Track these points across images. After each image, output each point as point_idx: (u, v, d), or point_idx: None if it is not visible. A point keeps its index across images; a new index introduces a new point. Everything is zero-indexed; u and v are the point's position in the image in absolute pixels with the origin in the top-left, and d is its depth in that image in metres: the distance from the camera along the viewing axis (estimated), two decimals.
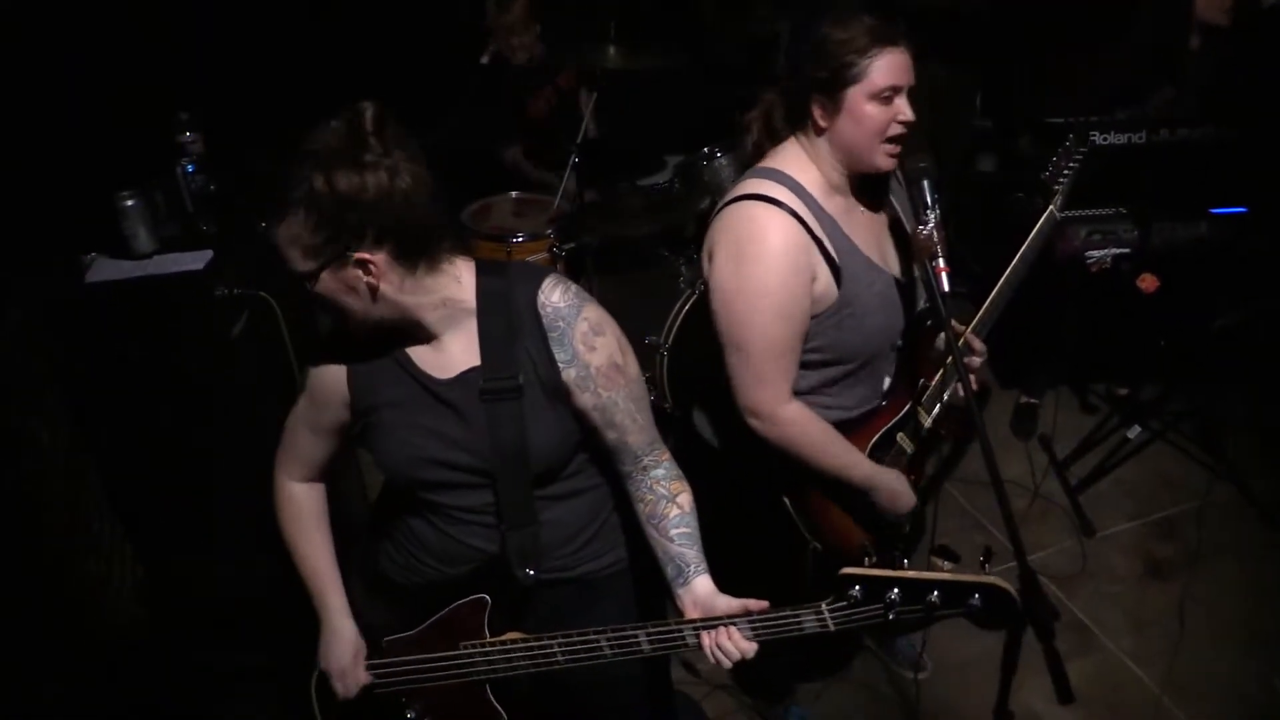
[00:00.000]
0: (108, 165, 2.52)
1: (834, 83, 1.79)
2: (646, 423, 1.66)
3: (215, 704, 2.53)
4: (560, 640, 1.57)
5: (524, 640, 1.60)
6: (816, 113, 1.84)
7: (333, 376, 1.61)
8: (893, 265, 2.01)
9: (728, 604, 1.53)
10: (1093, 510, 3.34)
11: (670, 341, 3.01)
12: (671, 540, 1.60)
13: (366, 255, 1.39)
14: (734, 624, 1.49)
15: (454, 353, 1.56)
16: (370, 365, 1.58)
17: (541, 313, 1.55)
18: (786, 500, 2.06)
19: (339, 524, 1.81)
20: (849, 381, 2.03)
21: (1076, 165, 2.14)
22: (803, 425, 1.94)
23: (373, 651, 1.72)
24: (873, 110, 1.79)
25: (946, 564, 1.49)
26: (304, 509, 1.77)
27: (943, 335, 2.06)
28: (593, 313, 1.59)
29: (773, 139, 1.98)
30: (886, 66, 1.76)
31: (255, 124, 2.58)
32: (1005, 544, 1.62)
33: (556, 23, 4.13)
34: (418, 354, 1.57)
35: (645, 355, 2.96)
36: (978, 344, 2.02)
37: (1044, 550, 3.21)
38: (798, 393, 1.97)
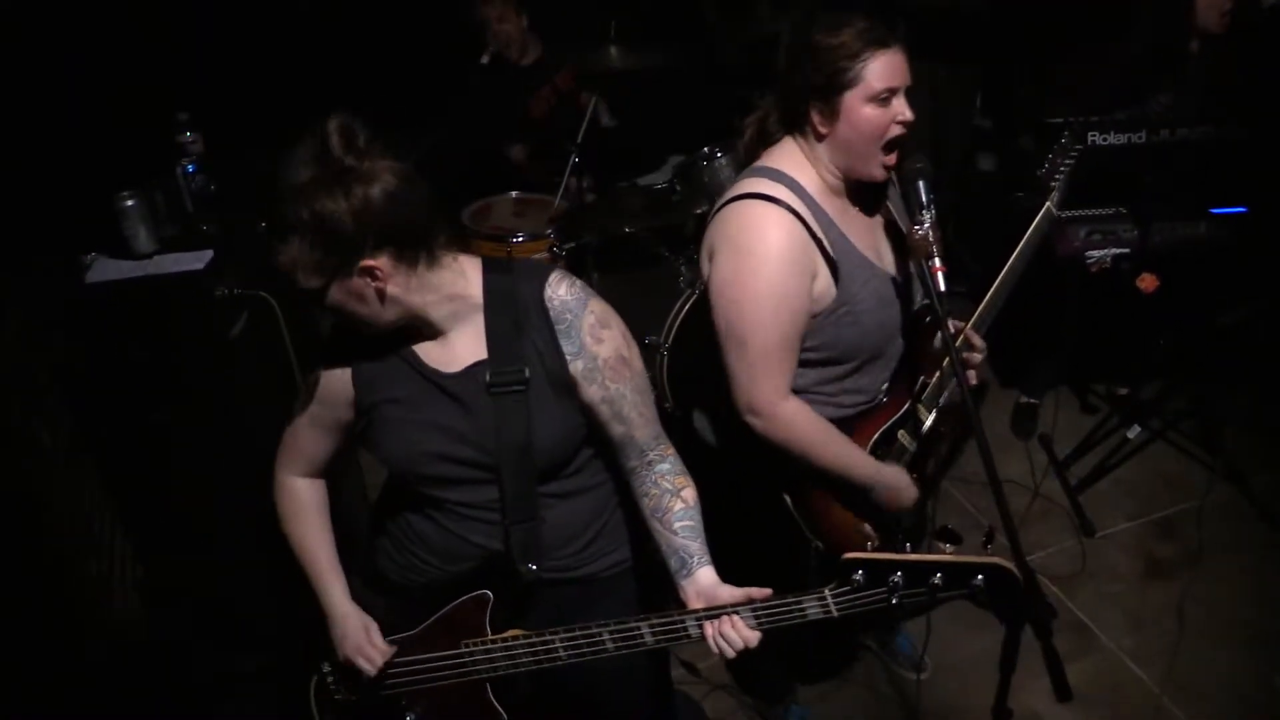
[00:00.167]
0: (108, 165, 2.52)
1: (830, 88, 1.79)
2: (652, 416, 1.67)
3: (215, 704, 2.54)
4: (562, 635, 1.57)
5: (526, 637, 1.60)
6: (815, 119, 1.84)
7: (337, 374, 1.62)
8: (889, 264, 2.02)
9: (731, 593, 1.53)
10: (1093, 510, 3.34)
11: (670, 341, 3.01)
12: (675, 533, 1.60)
13: (369, 262, 1.42)
14: (737, 613, 1.49)
15: (461, 347, 1.58)
16: (375, 362, 1.59)
17: (549, 306, 1.57)
18: (787, 499, 2.07)
19: (339, 524, 1.81)
20: (848, 380, 2.03)
21: (1072, 163, 2.15)
22: (801, 422, 1.94)
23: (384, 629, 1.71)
24: (871, 113, 1.79)
25: (949, 546, 1.49)
26: (305, 503, 1.77)
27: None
28: (598, 306, 1.61)
29: (766, 142, 1.99)
30: (882, 68, 1.76)
31: (255, 124, 2.58)
32: (1005, 544, 1.62)
33: (556, 23, 4.13)
34: (424, 349, 1.58)
35: (646, 355, 2.96)
36: (977, 340, 2.03)
37: (1044, 550, 3.21)
38: (797, 391, 1.98)
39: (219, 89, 3.26)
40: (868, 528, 2.10)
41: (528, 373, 1.55)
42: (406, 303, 1.50)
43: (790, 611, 1.48)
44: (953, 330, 1.83)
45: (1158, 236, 3.29)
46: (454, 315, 1.56)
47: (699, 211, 3.45)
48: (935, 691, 2.71)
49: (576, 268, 3.42)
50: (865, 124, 1.79)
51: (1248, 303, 3.32)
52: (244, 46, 3.94)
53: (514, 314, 1.57)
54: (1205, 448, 3.57)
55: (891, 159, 1.84)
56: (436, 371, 1.58)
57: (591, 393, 1.60)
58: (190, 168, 2.61)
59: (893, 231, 2.06)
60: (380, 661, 1.67)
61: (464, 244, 3.32)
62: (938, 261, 1.77)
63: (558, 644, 1.58)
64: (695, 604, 1.55)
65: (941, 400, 2.07)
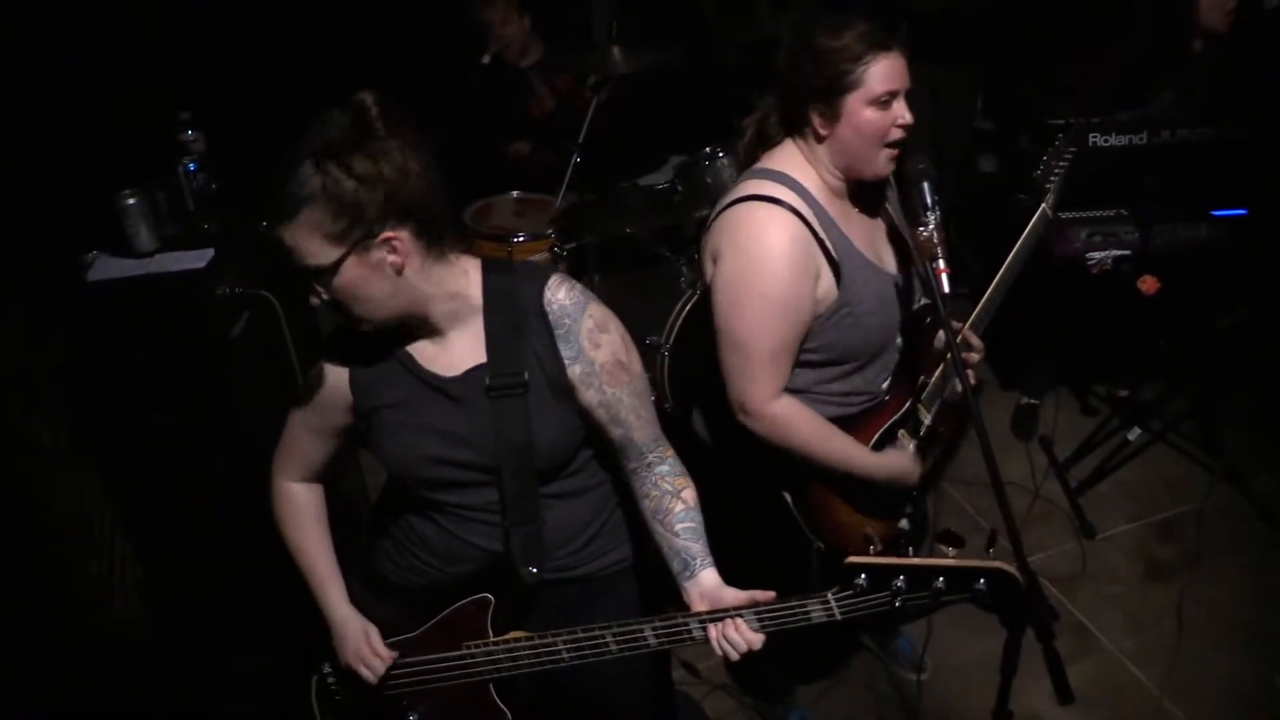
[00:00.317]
0: (109, 164, 2.52)
1: (831, 91, 1.79)
2: (650, 419, 1.67)
3: (215, 704, 2.53)
4: (565, 637, 1.57)
5: (528, 639, 1.60)
6: (815, 121, 1.84)
7: (335, 379, 1.61)
8: (890, 266, 2.02)
9: (734, 596, 1.53)
10: (1093, 512, 3.34)
11: (671, 342, 3.01)
12: (677, 535, 1.60)
13: (391, 234, 1.40)
14: (740, 616, 1.49)
15: (460, 350, 1.57)
16: (372, 366, 1.59)
17: (548, 310, 1.56)
18: (788, 498, 2.07)
19: (338, 525, 1.80)
20: (849, 380, 2.03)
21: (1067, 164, 2.16)
22: (796, 421, 1.94)
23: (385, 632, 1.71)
24: (872, 116, 1.79)
25: (951, 550, 1.49)
26: (303, 508, 1.76)
27: (942, 333, 2.07)
28: (598, 310, 1.60)
29: (766, 144, 1.99)
30: (883, 71, 1.77)
31: (257, 123, 2.58)
32: (1006, 545, 1.62)
33: (557, 23, 4.13)
34: (422, 353, 1.58)
35: (646, 356, 2.96)
36: (975, 340, 2.03)
37: (1044, 552, 3.21)
38: (798, 391, 1.98)
39: (221, 88, 3.26)
40: (870, 529, 2.10)
41: (527, 376, 1.54)
42: (416, 289, 1.48)
43: (794, 614, 1.48)
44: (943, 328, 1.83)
45: (1158, 238, 3.29)
46: (454, 315, 1.55)
47: (700, 215, 3.45)
48: (936, 693, 2.70)
49: (578, 268, 3.41)
50: (866, 126, 1.80)
51: (1247, 304, 3.31)
52: (246, 45, 3.94)
53: (513, 317, 1.56)
54: (1205, 450, 3.57)
55: (894, 153, 1.84)
56: (435, 375, 1.57)
57: (589, 397, 1.60)
58: (192, 166, 2.61)
59: (893, 233, 2.06)
60: (381, 668, 1.66)
61: (466, 244, 3.32)
62: (942, 263, 1.77)
63: (560, 645, 1.57)
64: (699, 606, 1.54)
65: (940, 400, 2.08)
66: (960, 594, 1.41)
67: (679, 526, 1.61)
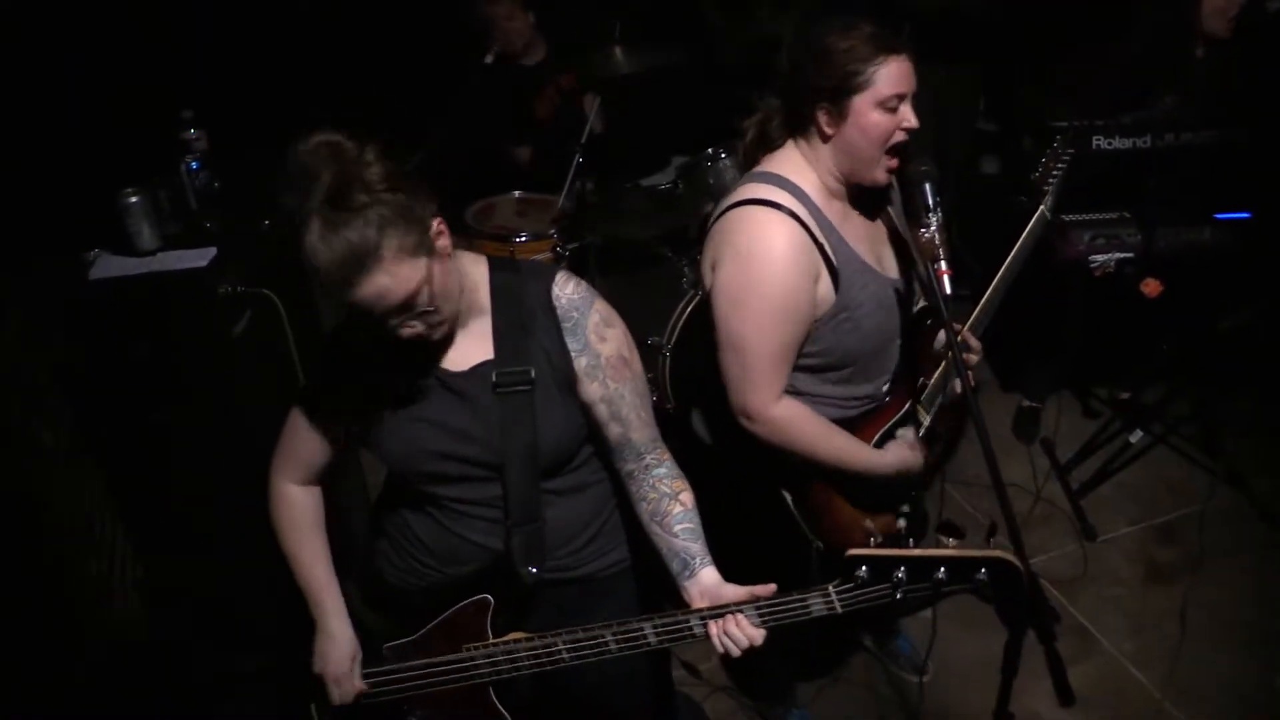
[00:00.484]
0: (112, 162, 2.52)
1: (840, 91, 1.79)
2: (650, 420, 1.68)
3: (215, 704, 2.53)
4: (565, 637, 1.56)
5: (527, 639, 1.60)
6: (822, 120, 1.84)
7: (337, 376, 1.62)
8: (889, 269, 2.02)
9: (735, 592, 1.53)
10: (1094, 514, 3.34)
11: (673, 343, 3.01)
12: (676, 536, 1.60)
13: (436, 220, 1.42)
14: (741, 611, 1.49)
15: (466, 346, 1.58)
16: (377, 364, 1.58)
17: (556, 304, 1.58)
18: (787, 497, 2.07)
19: (338, 527, 1.80)
20: (849, 383, 2.03)
21: (1065, 165, 2.16)
22: (799, 422, 1.94)
23: (371, 659, 1.71)
24: (879, 118, 1.79)
25: (952, 540, 1.49)
26: (301, 512, 1.75)
27: (941, 334, 2.07)
28: (603, 306, 1.63)
29: (767, 146, 1.99)
30: (892, 75, 1.77)
31: (259, 121, 2.58)
32: (1008, 544, 1.62)
33: (559, 23, 4.13)
34: (429, 348, 1.57)
35: (648, 356, 2.97)
36: (974, 341, 2.04)
37: (1046, 554, 3.20)
38: (799, 394, 1.98)
39: (223, 86, 3.26)
40: (870, 525, 2.10)
41: (534, 373, 1.55)
42: (459, 271, 1.51)
43: (794, 609, 1.47)
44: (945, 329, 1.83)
45: (1162, 241, 3.29)
46: (464, 311, 1.56)
47: (703, 214, 3.45)
48: (937, 693, 2.70)
49: (579, 268, 3.41)
50: (872, 128, 1.80)
51: (1248, 306, 3.31)
52: (248, 44, 3.93)
53: (520, 313, 1.57)
54: (1207, 452, 3.57)
55: (894, 163, 1.85)
56: (443, 370, 1.57)
57: (592, 390, 1.60)
58: (194, 165, 2.61)
59: (893, 236, 2.06)
60: (350, 697, 1.68)
61: (467, 244, 3.32)
62: (944, 265, 1.77)
63: (560, 646, 1.57)
64: (699, 604, 1.54)
65: (939, 401, 2.08)
66: (961, 584, 1.41)
67: (678, 528, 1.61)
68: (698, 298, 2.98)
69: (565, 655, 1.58)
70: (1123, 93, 3.38)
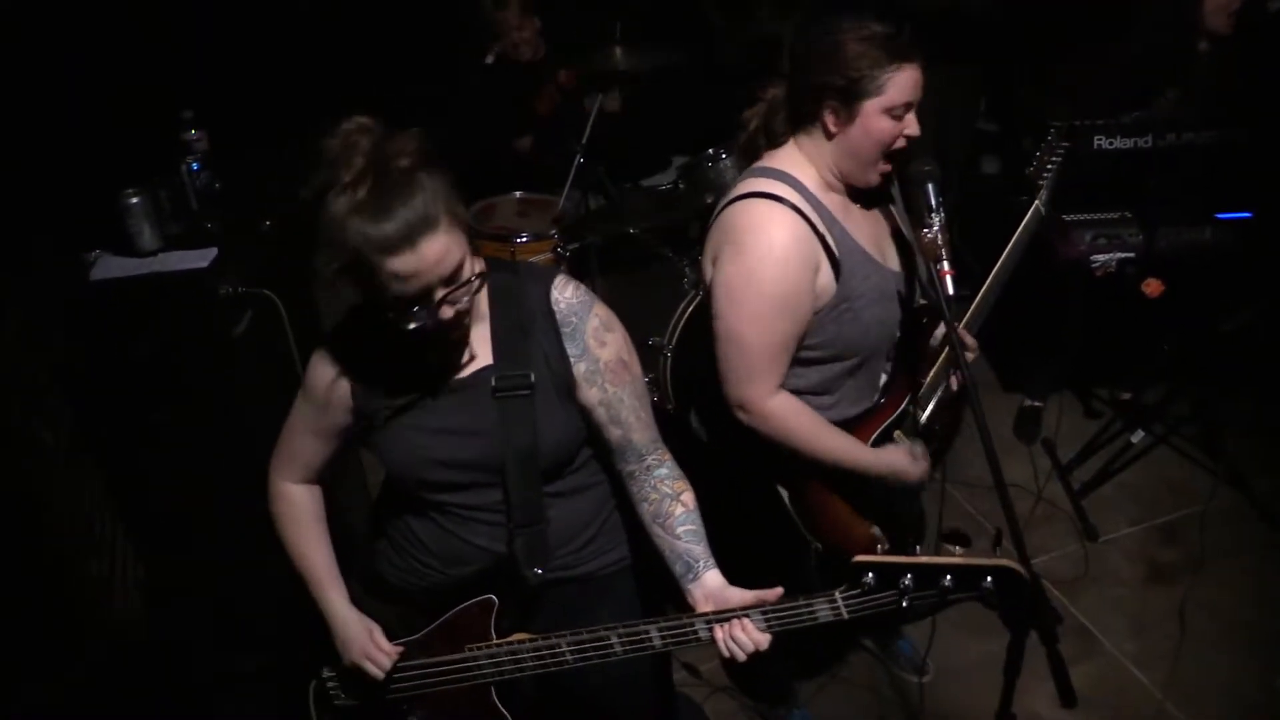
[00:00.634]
0: (112, 163, 2.52)
1: (850, 93, 1.78)
2: (650, 422, 1.67)
3: (215, 704, 2.53)
4: (569, 639, 1.56)
5: (531, 641, 1.59)
6: (829, 118, 1.84)
7: (336, 379, 1.60)
8: (890, 261, 2.02)
9: (740, 596, 1.52)
10: (1096, 514, 3.33)
11: (674, 343, 3.00)
12: (679, 538, 1.60)
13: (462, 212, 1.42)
14: (747, 616, 1.48)
15: (466, 350, 1.57)
16: (376, 366, 1.58)
17: (555, 309, 1.57)
18: (784, 494, 2.06)
19: (338, 526, 1.80)
20: (847, 379, 2.03)
21: (1059, 160, 2.15)
22: (793, 416, 1.94)
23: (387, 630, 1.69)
24: (885, 124, 1.79)
25: (958, 549, 1.49)
26: (302, 510, 1.75)
27: (937, 332, 2.07)
28: (602, 310, 1.62)
29: (770, 140, 1.98)
30: (904, 83, 1.77)
31: (260, 121, 2.58)
32: (1009, 548, 1.62)
33: (560, 23, 4.13)
34: (428, 349, 1.56)
35: (649, 357, 2.96)
36: (969, 339, 2.03)
37: (1047, 554, 3.20)
38: (797, 391, 1.98)
39: (224, 86, 3.26)
40: (870, 527, 2.10)
41: (533, 377, 1.54)
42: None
43: (801, 614, 1.47)
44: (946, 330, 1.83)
45: (1163, 241, 3.29)
46: None
47: (704, 209, 3.45)
48: (938, 694, 2.70)
49: (580, 269, 3.41)
50: (878, 133, 1.80)
51: (1249, 306, 3.31)
52: (248, 44, 3.94)
53: (519, 317, 1.56)
54: (1208, 452, 3.57)
55: (888, 167, 1.85)
56: (442, 375, 1.57)
57: (591, 395, 1.60)
58: (195, 165, 2.61)
59: (896, 233, 2.06)
60: (388, 664, 1.65)
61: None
62: (946, 265, 1.77)
63: (564, 648, 1.57)
64: (704, 608, 1.54)
65: (935, 398, 2.07)
66: (967, 592, 1.41)
67: (680, 529, 1.60)
68: (698, 298, 2.98)
69: (569, 657, 1.57)
70: (1123, 92, 3.37)
